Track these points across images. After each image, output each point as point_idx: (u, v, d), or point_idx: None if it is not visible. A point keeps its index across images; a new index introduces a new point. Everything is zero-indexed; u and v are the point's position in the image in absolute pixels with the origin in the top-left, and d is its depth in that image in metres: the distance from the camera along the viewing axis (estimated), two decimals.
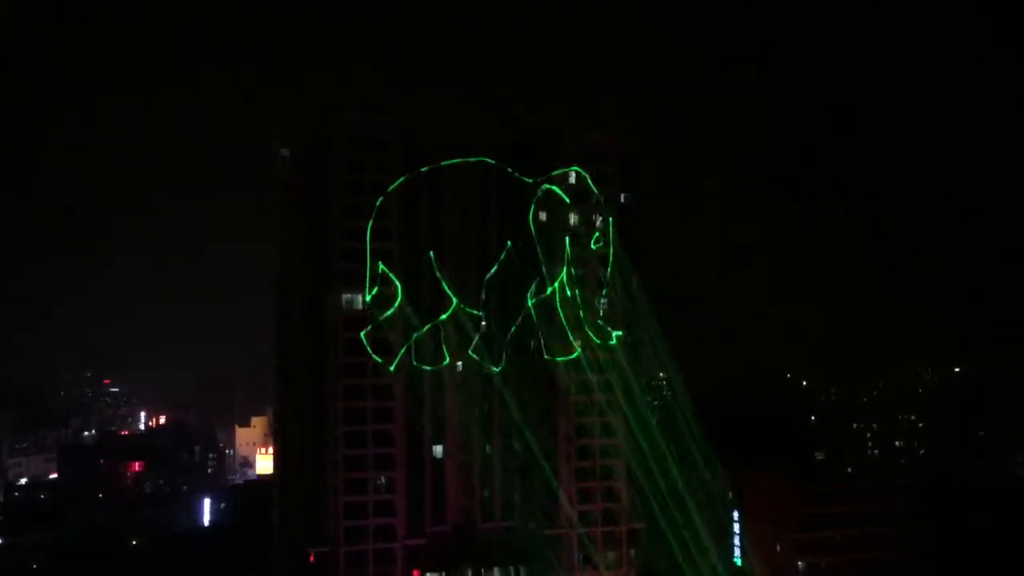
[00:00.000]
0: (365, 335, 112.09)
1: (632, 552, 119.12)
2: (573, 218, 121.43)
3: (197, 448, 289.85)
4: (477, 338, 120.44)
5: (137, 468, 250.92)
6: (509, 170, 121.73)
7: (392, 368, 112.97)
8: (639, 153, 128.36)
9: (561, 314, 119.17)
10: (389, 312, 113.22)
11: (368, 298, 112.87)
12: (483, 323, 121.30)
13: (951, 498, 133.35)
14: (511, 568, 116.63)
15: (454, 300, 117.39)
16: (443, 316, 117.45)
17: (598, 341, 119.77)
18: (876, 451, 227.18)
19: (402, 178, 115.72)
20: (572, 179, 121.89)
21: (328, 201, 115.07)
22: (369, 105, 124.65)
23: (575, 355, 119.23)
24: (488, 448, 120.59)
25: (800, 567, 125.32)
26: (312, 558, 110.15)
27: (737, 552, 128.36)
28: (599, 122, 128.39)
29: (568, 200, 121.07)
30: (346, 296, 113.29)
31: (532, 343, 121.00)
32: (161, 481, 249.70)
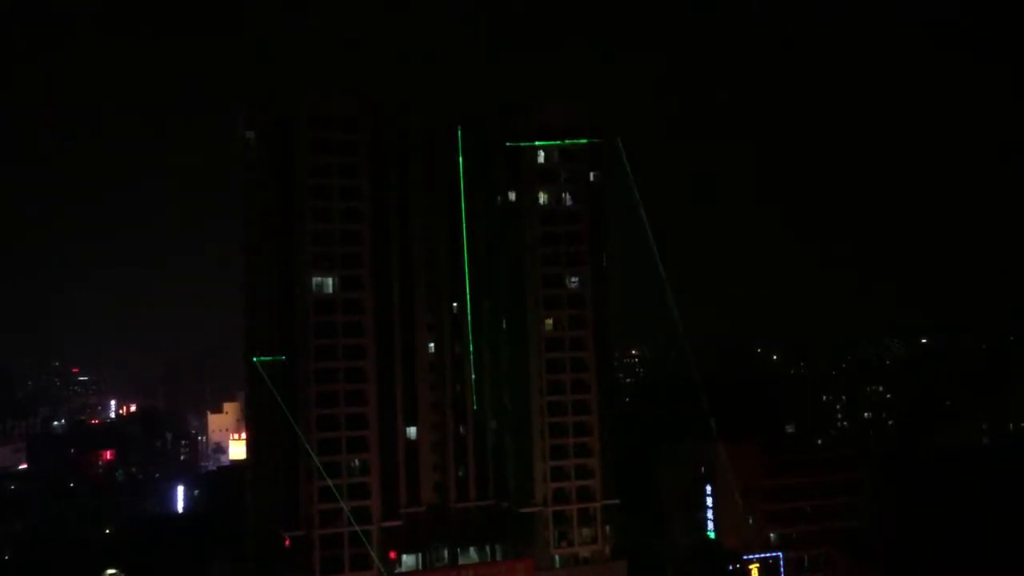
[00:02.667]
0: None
1: (607, 528, 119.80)
2: (543, 197, 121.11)
3: (168, 435, 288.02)
4: (450, 318, 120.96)
5: (108, 456, 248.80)
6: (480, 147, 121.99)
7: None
8: (611, 128, 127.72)
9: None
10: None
11: None
12: (455, 304, 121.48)
13: (918, 467, 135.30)
14: (487, 547, 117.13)
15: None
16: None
17: None
18: (845, 423, 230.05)
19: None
20: (542, 157, 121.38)
21: (295, 182, 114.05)
22: (335, 83, 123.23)
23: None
24: (461, 428, 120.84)
25: (772, 538, 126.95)
26: (287, 542, 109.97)
27: (710, 525, 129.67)
28: (570, 96, 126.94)
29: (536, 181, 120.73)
30: (316, 279, 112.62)
31: (503, 322, 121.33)
32: (133, 469, 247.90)
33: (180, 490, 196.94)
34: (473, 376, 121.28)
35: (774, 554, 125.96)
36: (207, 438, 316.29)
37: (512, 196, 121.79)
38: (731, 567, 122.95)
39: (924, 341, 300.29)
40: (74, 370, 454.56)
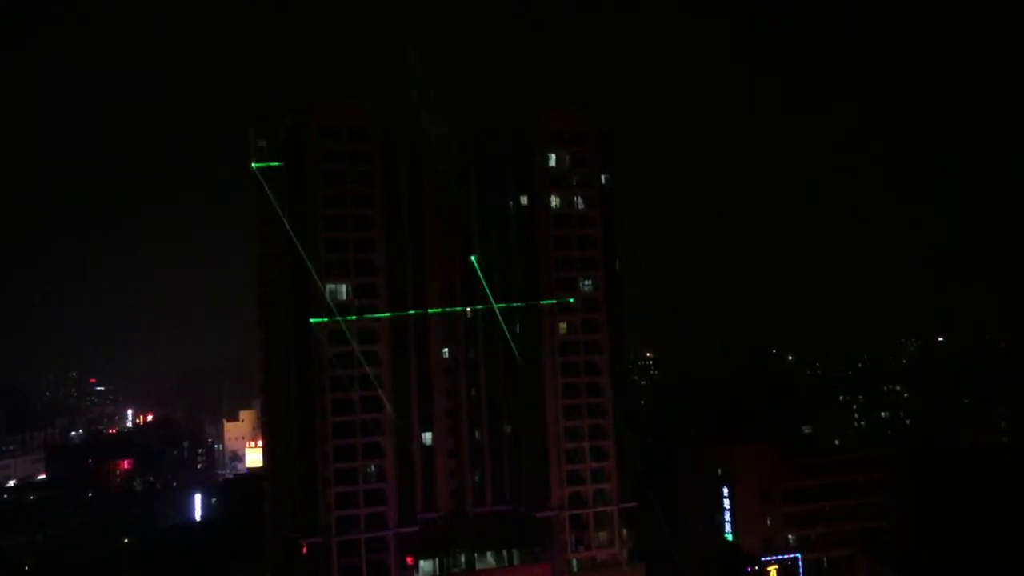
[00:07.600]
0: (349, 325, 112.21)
1: (624, 532, 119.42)
2: (555, 201, 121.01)
3: (186, 444, 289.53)
4: (464, 323, 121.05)
5: (126, 466, 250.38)
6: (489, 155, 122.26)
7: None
8: (618, 132, 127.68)
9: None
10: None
11: None
12: (468, 309, 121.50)
13: (938, 467, 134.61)
14: (504, 552, 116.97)
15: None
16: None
17: None
18: (862, 423, 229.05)
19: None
20: (552, 162, 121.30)
21: (308, 192, 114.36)
22: (346, 93, 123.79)
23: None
24: (477, 433, 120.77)
25: (790, 540, 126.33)
26: (304, 549, 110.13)
27: (728, 527, 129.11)
28: (577, 101, 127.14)
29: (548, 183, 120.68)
30: (330, 287, 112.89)
31: (517, 326, 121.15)
32: (151, 478, 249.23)
33: (197, 498, 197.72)
34: (488, 381, 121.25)
35: (793, 556, 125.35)
36: (223, 446, 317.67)
37: (524, 200, 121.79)
38: (749, 569, 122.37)
39: (940, 339, 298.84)
40: (91, 380, 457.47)
